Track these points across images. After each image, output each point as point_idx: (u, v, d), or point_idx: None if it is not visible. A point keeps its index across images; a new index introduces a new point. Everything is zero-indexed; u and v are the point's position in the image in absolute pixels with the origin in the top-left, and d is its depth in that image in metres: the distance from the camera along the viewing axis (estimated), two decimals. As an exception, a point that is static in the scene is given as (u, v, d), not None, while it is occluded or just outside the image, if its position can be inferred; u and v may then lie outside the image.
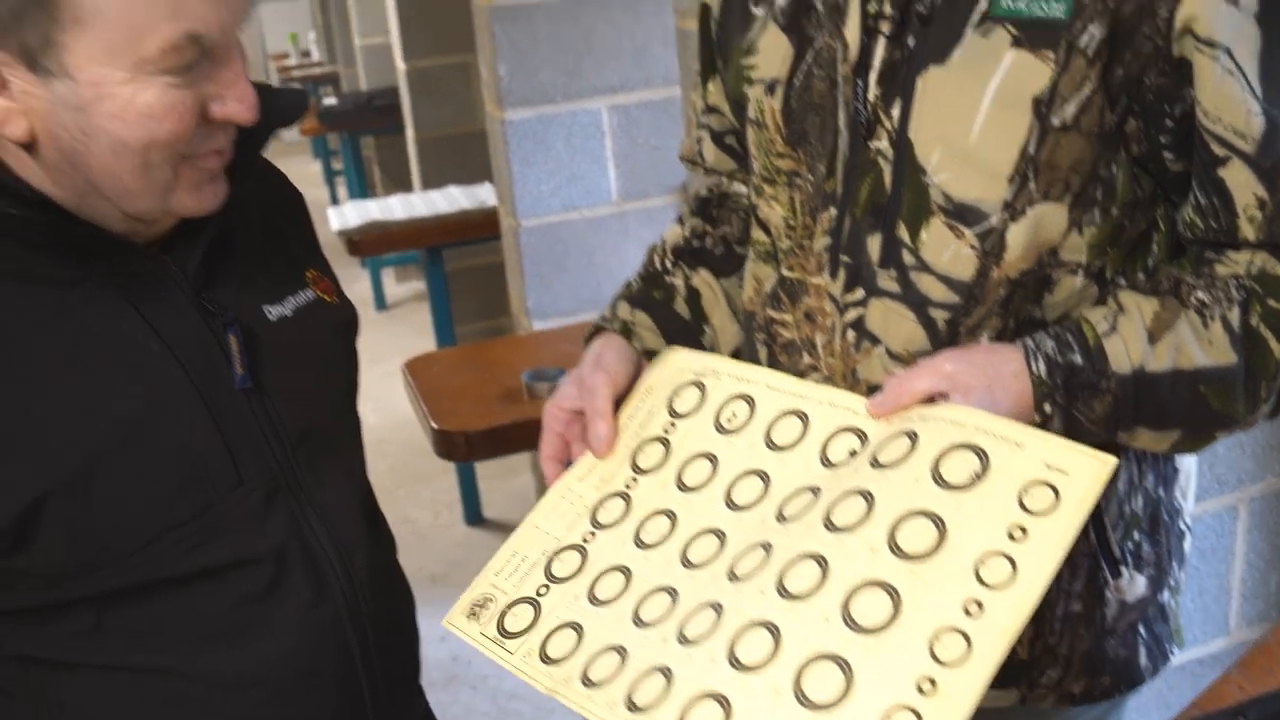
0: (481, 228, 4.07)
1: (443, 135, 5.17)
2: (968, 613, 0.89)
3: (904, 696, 0.87)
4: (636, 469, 1.19)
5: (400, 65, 5.14)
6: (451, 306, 4.45)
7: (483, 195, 4.30)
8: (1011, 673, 1.25)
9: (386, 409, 4.96)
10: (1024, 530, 0.91)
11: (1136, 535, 1.25)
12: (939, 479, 0.97)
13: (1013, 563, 0.90)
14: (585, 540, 1.16)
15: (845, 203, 1.19)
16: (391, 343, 5.79)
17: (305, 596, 1.10)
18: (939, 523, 0.95)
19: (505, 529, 4.05)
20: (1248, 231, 1.07)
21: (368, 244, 3.95)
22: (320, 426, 1.16)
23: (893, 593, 0.93)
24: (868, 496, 1.00)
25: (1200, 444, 1.12)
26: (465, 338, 4.68)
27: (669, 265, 1.42)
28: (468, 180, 4.92)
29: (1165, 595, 1.29)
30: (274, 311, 1.15)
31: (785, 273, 1.27)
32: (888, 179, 1.15)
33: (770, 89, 1.24)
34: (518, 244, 3.39)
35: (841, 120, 1.18)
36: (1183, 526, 1.30)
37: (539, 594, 1.13)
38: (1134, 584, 1.25)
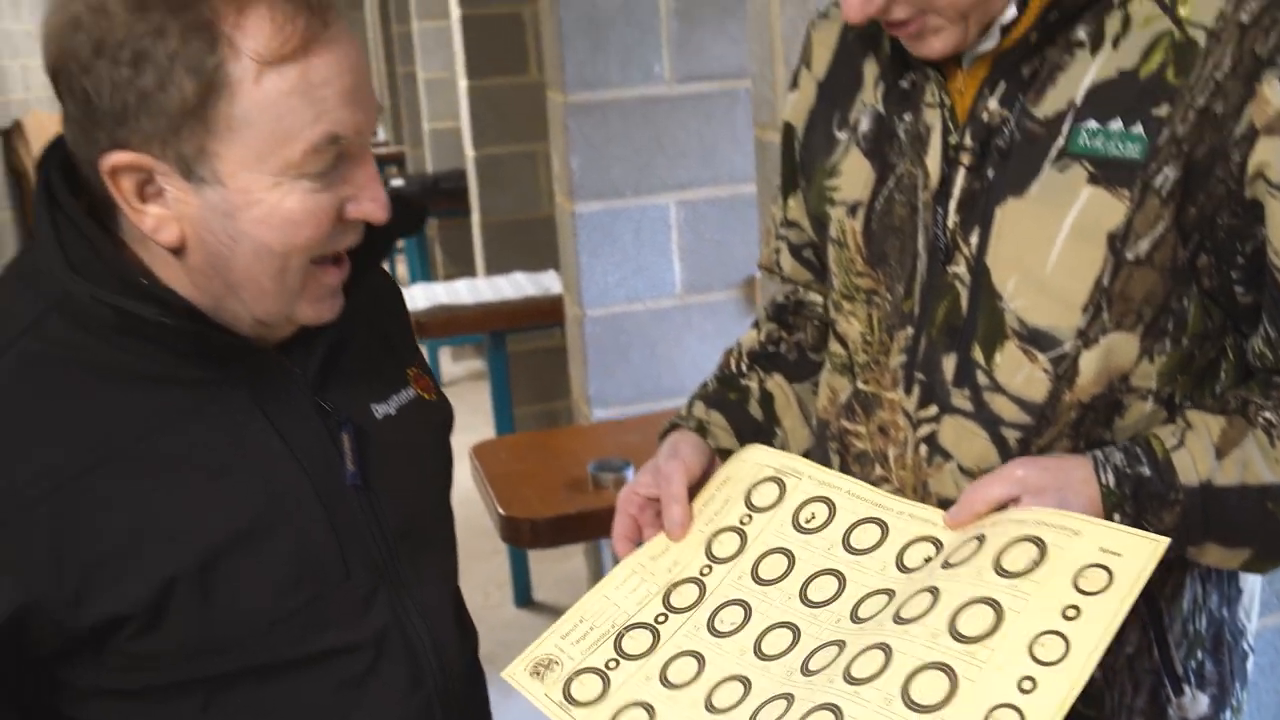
0: (545, 314, 4.16)
1: (508, 220, 5.29)
2: (1022, 689, 0.93)
3: None
4: (712, 556, 1.23)
5: (470, 151, 5.28)
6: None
7: (547, 282, 4.39)
8: (1074, 785, 1.27)
9: (441, 487, 5.01)
10: (1077, 609, 0.96)
11: (1200, 654, 1.27)
12: (1000, 570, 1.02)
13: (1066, 640, 0.95)
14: (658, 621, 1.20)
15: (922, 323, 1.24)
16: (449, 422, 5.84)
17: (401, 684, 1.15)
18: (996, 607, 0.99)
19: (555, 612, 4.05)
20: None
21: (434, 326, 4.05)
22: (420, 523, 1.21)
23: (950, 673, 0.97)
24: (934, 592, 1.05)
25: (1271, 563, 1.16)
26: (520, 420, 4.74)
27: (744, 368, 1.48)
28: (530, 265, 5.02)
29: (1227, 715, 1.32)
30: (380, 410, 1.20)
31: (861, 386, 1.32)
32: (964, 302, 1.21)
33: (852, 211, 1.30)
34: (582, 333, 3.46)
35: (921, 244, 1.24)
36: (1246, 647, 1.33)
37: (608, 667, 1.16)
38: (1196, 703, 1.28)
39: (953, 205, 1.21)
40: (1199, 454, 1.12)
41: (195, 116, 0.98)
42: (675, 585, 1.23)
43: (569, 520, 2.38)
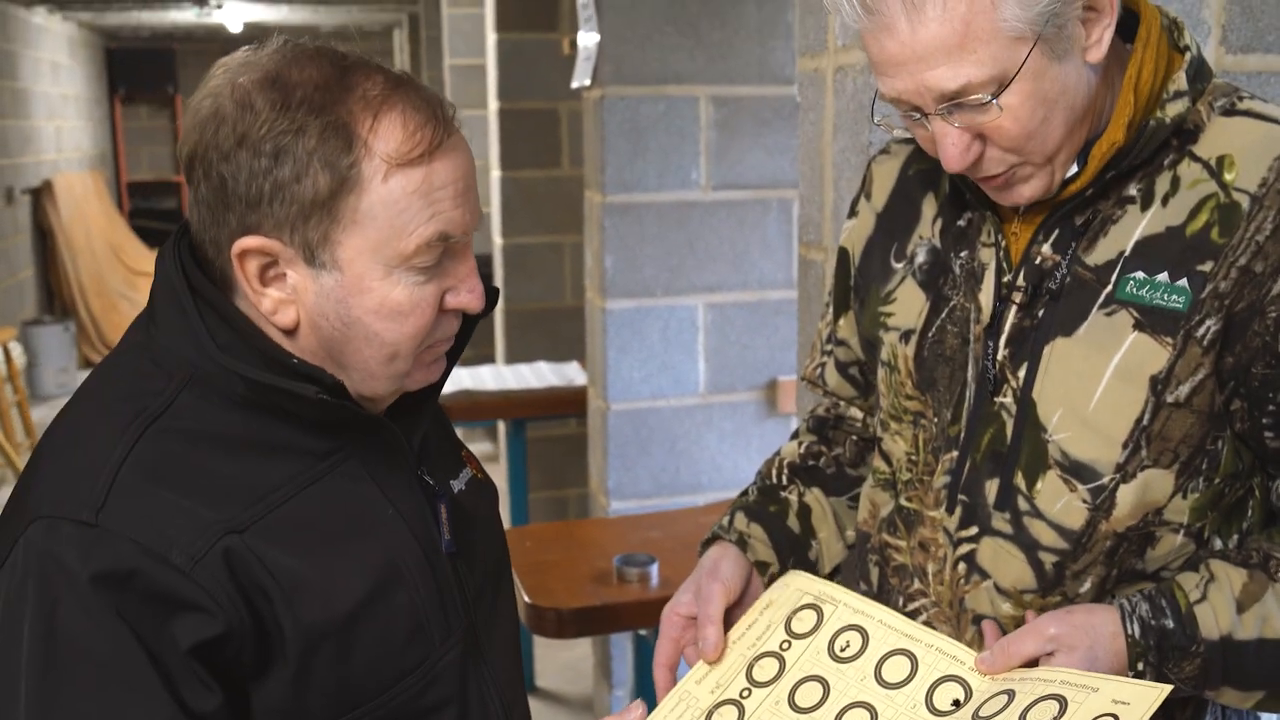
0: (567, 404, 4.24)
1: (532, 309, 5.39)
2: None
3: None
4: (752, 680, 1.29)
5: (497, 240, 5.39)
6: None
7: (570, 373, 4.47)
8: None
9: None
10: None
11: (1219, 780, 1.33)
12: None
13: None
14: None
15: (968, 448, 1.31)
16: (457, 502, 5.88)
17: None
18: None
19: (557, 699, 4.10)
20: None
21: (456, 410, 4.12)
22: (490, 590, 1.29)
23: None
24: None
25: None
26: (531, 505, 4.80)
27: (785, 480, 1.55)
28: (550, 354, 5.11)
29: (1243, 840, 1.37)
30: (455, 485, 1.28)
31: (903, 502, 1.39)
32: (1009, 431, 1.28)
33: (904, 337, 1.38)
34: (605, 425, 3.53)
35: (970, 374, 1.31)
36: (1262, 775, 1.39)
37: None
38: (1215, 827, 1.33)
39: (1003, 340, 1.29)
40: (1220, 608, 1.19)
41: (324, 208, 1.06)
42: (717, 707, 1.28)
43: (594, 612, 2.44)
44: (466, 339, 1.24)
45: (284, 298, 1.10)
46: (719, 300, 3.52)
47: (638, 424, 3.55)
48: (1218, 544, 1.27)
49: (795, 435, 1.64)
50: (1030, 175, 1.22)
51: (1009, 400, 1.28)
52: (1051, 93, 1.16)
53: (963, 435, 1.32)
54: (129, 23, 11.64)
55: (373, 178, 1.06)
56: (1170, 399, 1.20)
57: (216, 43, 13.62)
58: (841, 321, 1.55)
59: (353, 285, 1.09)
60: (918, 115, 1.19)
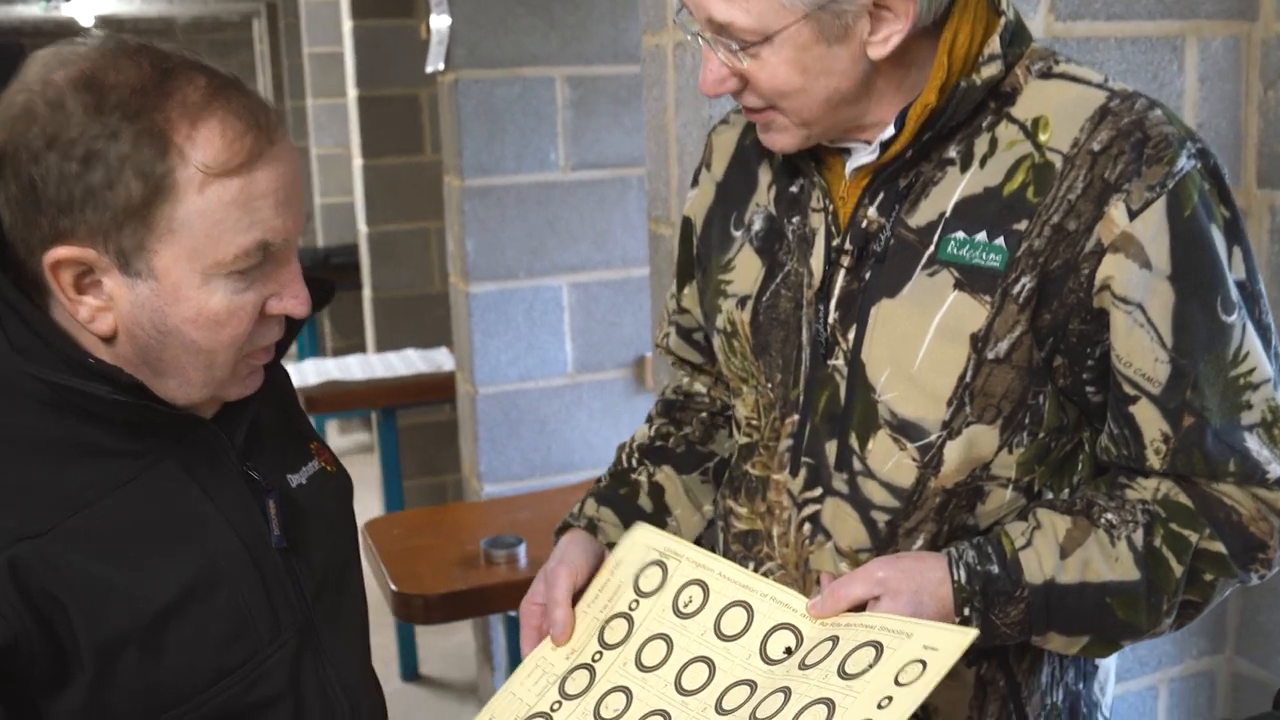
0: (436, 391, 4.21)
1: (399, 297, 5.33)
2: None
3: None
4: (603, 642, 1.31)
5: (362, 228, 5.33)
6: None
7: (439, 359, 4.44)
8: None
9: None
10: (890, 699, 1.07)
11: (1056, 725, 1.38)
12: (843, 673, 1.12)
13: None
14: (553, 709, 1.28)
15: (807, 411, 1.34)
16: (334, 495, 5.81)
17: None
18: (830, 706, 1.09)
19: (441, 686, 4.08)
20: (1154, 462, 1.24)
21: (324, 401, 4.07)
22: (334, 587, 1.27)
23: None
24: (787, 692, 1.15)
25: (1108, 649, 1.27)
26: (408, 493, 4.76)
27: (634, 463, 1.56)
28: (421, 341, 5.06)
29: (1081, 782, 1.42)
30: (293, 479, 1.26)
31: (748, 469, 1.41)
32: (842, 393, 1.31)
33: (741, 303, 1.40)
34: (474, 410, 3.52)
35: (804, 337, 1.34)
36: (1100, 719, 1.44)
37: None
38: (1053, 771, 1.38)
39: (833, 303, 1.31)
40: (1044, 553, 1.23)
41: (138, 216, 1.03)
42: (570, 673, 1.30)
43: (462, 596, 2.43)
44: (293, 337, 1.23)
45: (100, 305, 1.08)
46: (583, 279, 3.52)
47: (507, 406, 3.54)
48: (1048, 497, 1.31)
49: (648, 420, 1.65)
50: (784, 128, 1.27)
51: (840, 363, 1.31)
52: (813, 69, 1.20)
53: (802, 399, 1.34)
54: (-26, 18, 11.23)
55: (188, 187, 1.04)
56: (990, 355, 1.23)
57: (66, 37, 13.14)
58: (686, 290, 1.57)
59: (169, 294, 1.07)
60: (695, 30, 1.23)
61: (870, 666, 1.11)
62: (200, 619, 1.11)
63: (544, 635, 1.38)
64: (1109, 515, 1.24)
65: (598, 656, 1.30)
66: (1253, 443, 1.21)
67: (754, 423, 1.40)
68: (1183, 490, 1.24)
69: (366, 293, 5.43)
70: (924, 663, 1.08)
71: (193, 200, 1.04)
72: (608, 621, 1.34)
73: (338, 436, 6.93)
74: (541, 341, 3.53)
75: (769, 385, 1.38)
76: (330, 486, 1.33)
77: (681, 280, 1.57)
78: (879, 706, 1.06)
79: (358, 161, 5.29)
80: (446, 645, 4.28)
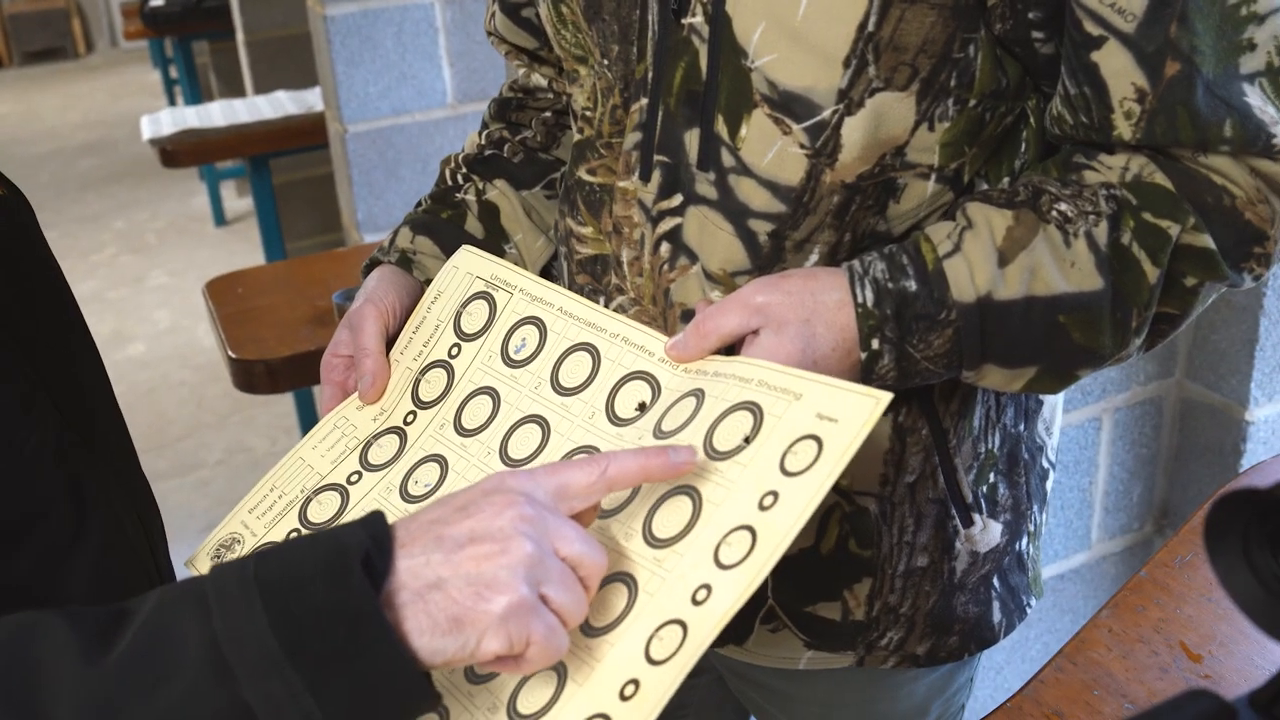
0: (310, 135, 3.78)
1: (274, 37, 4.83)
2: (696, 601, 0.74)
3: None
4: (417, 400, 1.05)
5: (226, -40, 4.78)
6: (284, 221, 4.16)
7: (311, 100, 4.00)
8: (847, 634, 1.09)
9: (220, 330, 4.68)
10: (775, 496, 0.75)
11: (992, 477, 1.09)
12: (711, 449, 0.81)
13: (753, 536, 0.75)
14: (350, 481, 1.02)
15: (658, 91, 1.00)
16: (229, 260, 5.48)
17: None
18: (696, 499, 0.79)
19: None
20: (1123, 129, 0.90)
21: (183, 154, 3.62)
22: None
23: (632, 585, 0.78)
24: None
25: (1060, 384, 0.96)
26: (297, 254, 4.40)
27: (460, 180, 1.24)
28: (302, 85, 4.59)
29: (1024, 543, 1.15)
30: None
31: (585, 176, 1.08)
32: (703, 63, 0.96)
33: (567, -45, 1.04)
34: (345, 151, 3.13)
35: None
36: (1045, 464, 1.15)
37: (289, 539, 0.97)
38: (988, 533, 1.10)
39: (685, -62, 0.95)
40: (977, 261, 0.91)
41: None
42: (376, 438, 1.04)
43: (312, 358, 2.08)
44: None
45: None
46: (457, -6, 3.08)
47: (382, 146, 3.15)
48: (982, 190, 0.99)
49: (481, 126, 1.32)
50: None
51: (699, 20, 0.96)
52: None
53: (650, 75, 1.00)
54: None
55: None
56: None
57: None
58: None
59: None
60: None
61: (747, 441, 0.79)
62: None
63: (350, 392, 1.09)
64: (1062, 206, 0.92)
65: (411, 418, 1.04)
66: (1255, 97, 0.88)
67: (589, 113, 1.06)
68: (1159, 168, 0.92)
69: (240, 36, 4.91)
70: (819, 440, 0.76)
71: None
72: (423, 373, 1.06)
73: (235, 199, 6.47)
74: (415, 69, 3.11)
75: (604, 61, 1.03)
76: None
77: None
78: (761, 507, 0.75)
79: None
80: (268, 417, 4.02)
